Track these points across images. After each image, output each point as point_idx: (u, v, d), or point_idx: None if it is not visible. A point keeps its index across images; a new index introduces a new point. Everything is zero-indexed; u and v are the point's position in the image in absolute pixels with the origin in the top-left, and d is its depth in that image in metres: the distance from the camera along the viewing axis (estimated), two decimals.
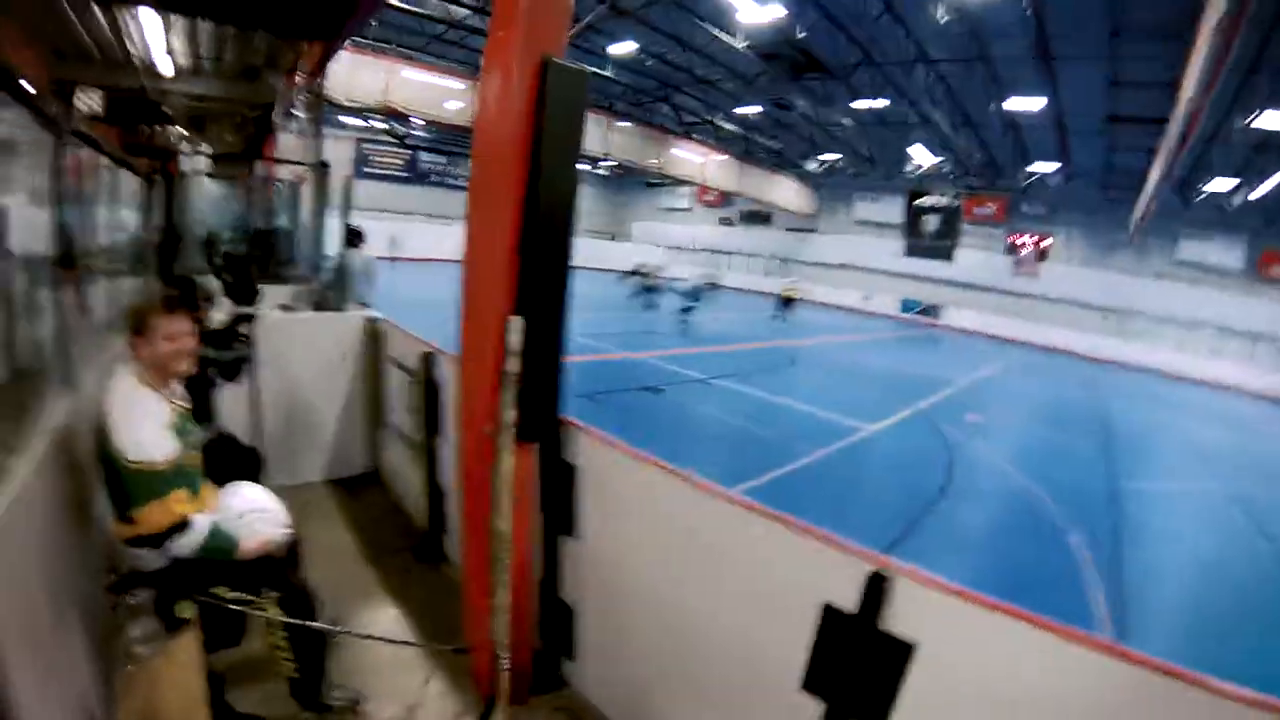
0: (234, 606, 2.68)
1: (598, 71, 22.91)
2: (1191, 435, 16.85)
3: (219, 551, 2.61)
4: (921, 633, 2.13)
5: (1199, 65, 10.99)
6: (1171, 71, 14.90)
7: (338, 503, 5.51)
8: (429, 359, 4.53)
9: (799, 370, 16.48)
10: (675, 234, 44.13)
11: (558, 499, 3.31)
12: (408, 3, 18.88)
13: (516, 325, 2.78)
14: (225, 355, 4.38)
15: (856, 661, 2.26)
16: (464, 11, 19.52)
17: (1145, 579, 7.46)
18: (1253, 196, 25.43)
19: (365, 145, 36.85)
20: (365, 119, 31.06)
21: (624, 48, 21.22)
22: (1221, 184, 25.68)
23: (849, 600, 2.22)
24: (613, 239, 44.67)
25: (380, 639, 3.61)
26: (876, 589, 2.15)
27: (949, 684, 2.11)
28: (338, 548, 4.79)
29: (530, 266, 2.83)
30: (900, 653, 2.15)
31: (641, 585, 3.09)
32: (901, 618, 2.15)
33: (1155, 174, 18.88)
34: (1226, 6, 9.25)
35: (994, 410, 15.72)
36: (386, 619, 4.04)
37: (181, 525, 2.49)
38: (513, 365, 2.81)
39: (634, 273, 26.94)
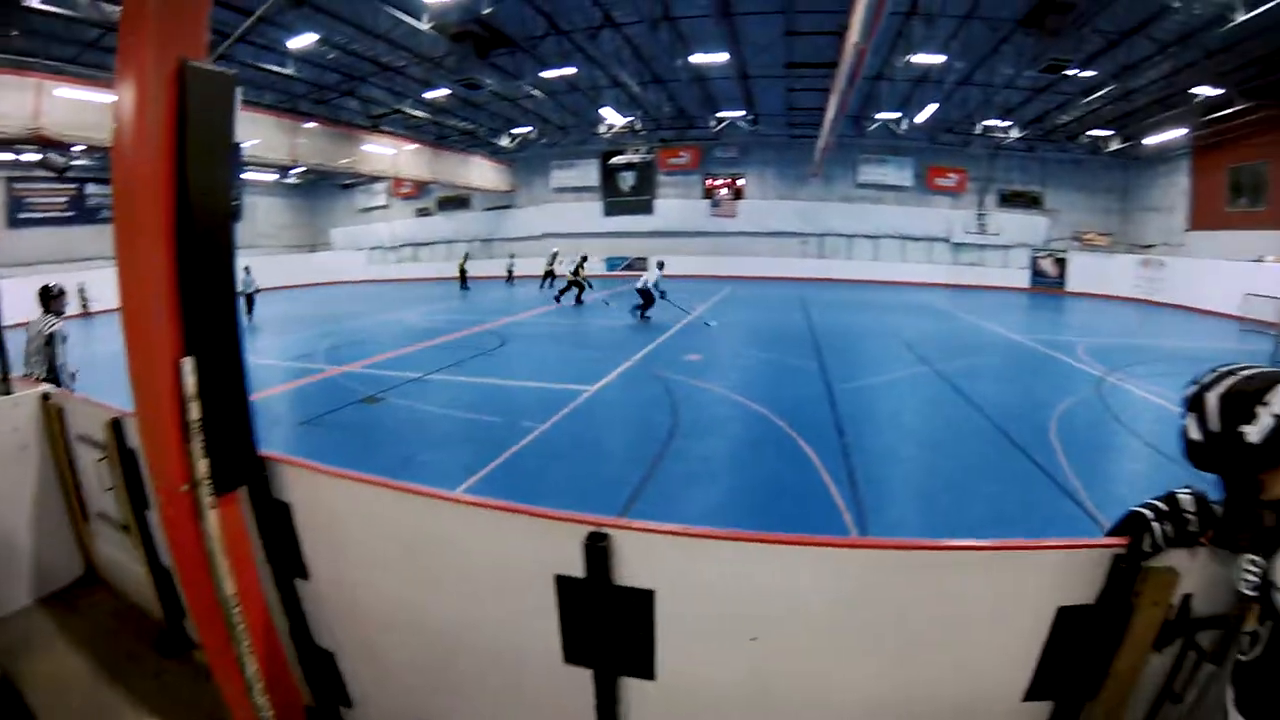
0: None
1: (277, 70, 21.29)
2: (894, 330, 19.53)
3: None
4: (656, 578, 2.28)
5: (862, 14, 12.30)
6: (840, 20, 16.12)
7: (56, 623, 4.66)
8: (116, 425, 3.86)
9: (514, 347, 16.44)
10: (376, 233, 42.29)
11: (280, 543, 3.02)
12: (50, 3, 15.87)
13: (190, 366, 2.50)
14: None
15: (604, 622, 2.37)
16: (118, 9, 16.98)
17: (876, 464, 8.55)
18: (917, 120, 29.89)
19: (17, 185, 28.38)
20: (15, 152, 24.80)
21: (303, 40, 19.30)
22: (889, 114, 29.99)
23: (578, 566, 2.30)
24: (313, 250, 41.96)
25: None
26: (599, 549, 2.25)
27: (697, 615, 2.31)
28: (67, 676, 4.10)
29: (194, 299, 2.52)
30: (643, 602, 2.29)
31: (392, 608, 2.94)
32: (633, 570, 2.28)
33: (831, 111, 21.08)
34: None
35: (712, 345, 16.58)
36: None
37: None
38: (194, 411, 2.52)
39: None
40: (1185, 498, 2.06)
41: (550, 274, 29.90)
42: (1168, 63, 20.91)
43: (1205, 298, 25.77)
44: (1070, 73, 22.60)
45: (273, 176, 35.58)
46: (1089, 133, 31.36)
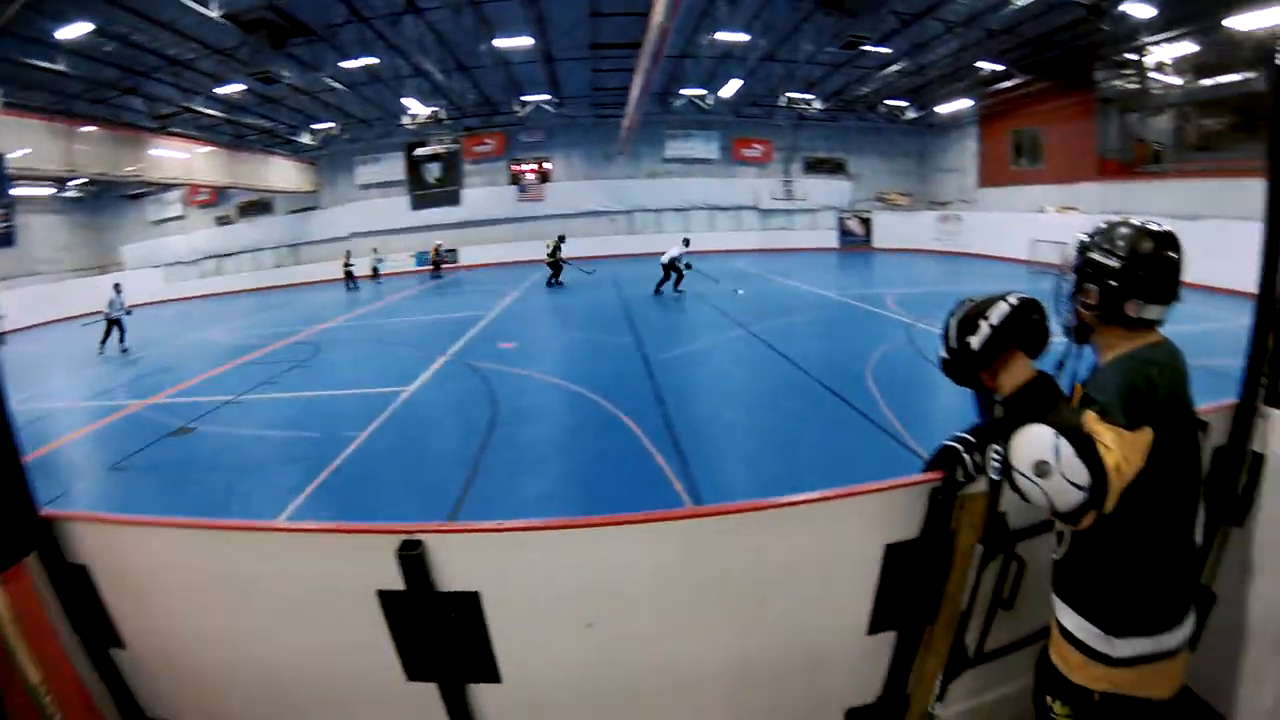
0: None
1: (46, 66, 18.51)
2: (710, 298, 19.99)
3: None
4: (480, 579, 2.25)
5: None
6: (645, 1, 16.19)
7: None
8: None
9: (329, 355, 15.79)
10: (173, 247, 37.65)
11: (84, 611, 2.60)
12: None
13: None
14: None
15: (436, 632, 2.32)
16: None
17: (700, 430, 8.88)
18: (722, 95, 30.70)
19: None
20: None
21: (76, 30, 16.70)
22: (695, 91, 31.02)
23: (397, 578, 2.23)
24: (103, 271, 36.34)
25: None
26: (414, 558, 2.18)
27: (529, 610, 2.32)
28: None
29: None
30: (470, 605, 2.26)
31: (225, 656, 2.66)
32: (454, 574, 2.24)
33: (636, 90, 21.44)
34: None
35: (525, 332, 16.66)
36: None
37: None
38: None
39: None
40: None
41: (350, 274, 30.02)
42: (955, 41, 23.22)
43: (998, 246, 28.24)
44: (868, 49, 24.15)
45: (48, 191, 30.94)
46: (887, 103, 33.76)
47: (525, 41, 21.24)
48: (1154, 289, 1.95)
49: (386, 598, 2.27)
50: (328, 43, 20.42)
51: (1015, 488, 1.87)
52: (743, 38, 22.22)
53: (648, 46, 16.35)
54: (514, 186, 36.11)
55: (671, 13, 13.15)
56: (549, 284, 25.37)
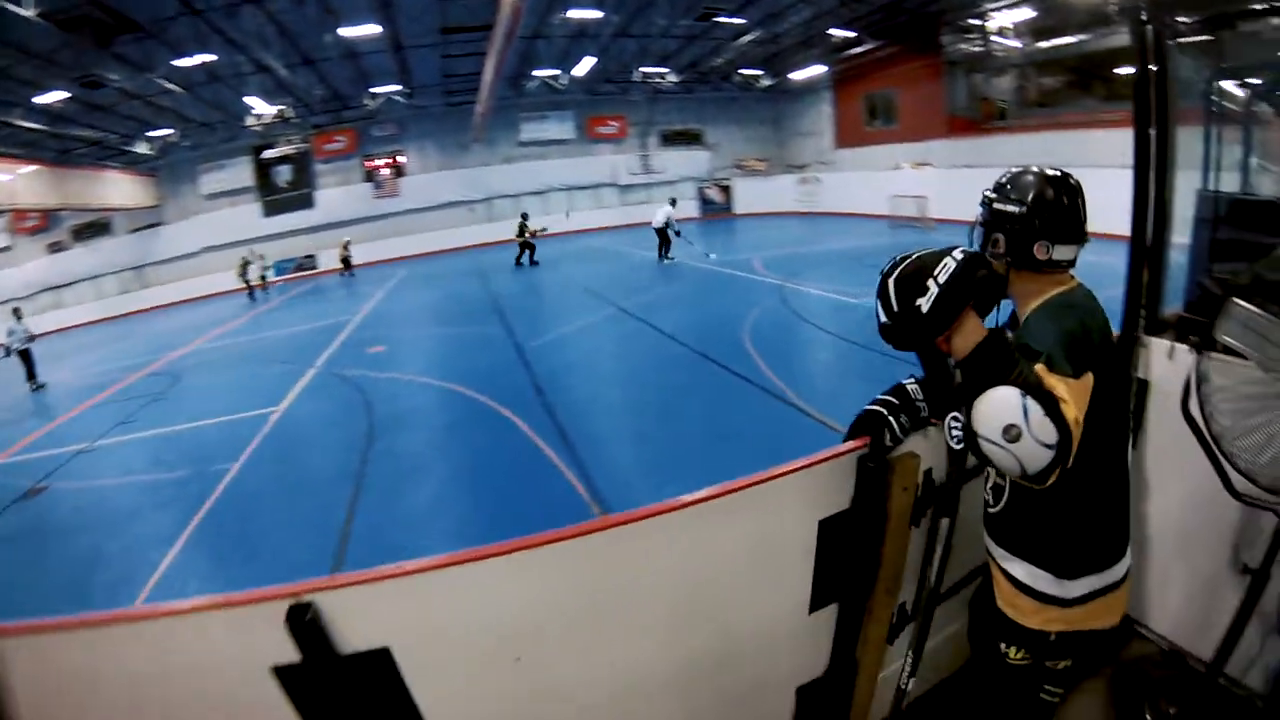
0: None
1: None
2: (573, 279, 20.18)
3: None
4: (388, 633, 1.94)
5: None
6: None
7: None
8: None
9: (189, 381, 14.57)
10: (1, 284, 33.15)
11: None
12: None
13: None
14: None
15: (347, 703, 1.99)
16: None
17: (584, 416, 8.81)
18: (576, 74, 30.33)
19: None
20: None
21: None
22: (548, 72, 30.41)
23: (291, 650, 1.86)
24: None
25: None
26: (307, 624, 1.82)
27: (449, 656, 2.08)
28: None
29: None
30: (381, 664, 1.96)
31: None
32: (356, 632, 1.92)
33: (489, 74, 21.20)
34: None
35: (393, 333, 16.12)
36: None
37: None
38: None
39: None
40: (912, 386, 2.41)
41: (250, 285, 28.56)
42: (808, 9, 23.90)
43: (858, 203, 29.57)
44: (722, 20, 24.48)
45: None
46: (741, 72, 34.20)
47: (372, 29, 20.00)
48: (1058, 229, 2.01)
49: (284, 674, 1.91)
50: (159, 39, 18.46)
51: (980, 456, 1.83)
52: (596, 14, 21.92)
53: (500, 27, 15.94)
54: (369, 184, 34.68)
55: None
56: (518, 263, 24.64)
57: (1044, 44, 23.09)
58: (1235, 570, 2.89)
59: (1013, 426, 1.69)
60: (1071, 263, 2.07)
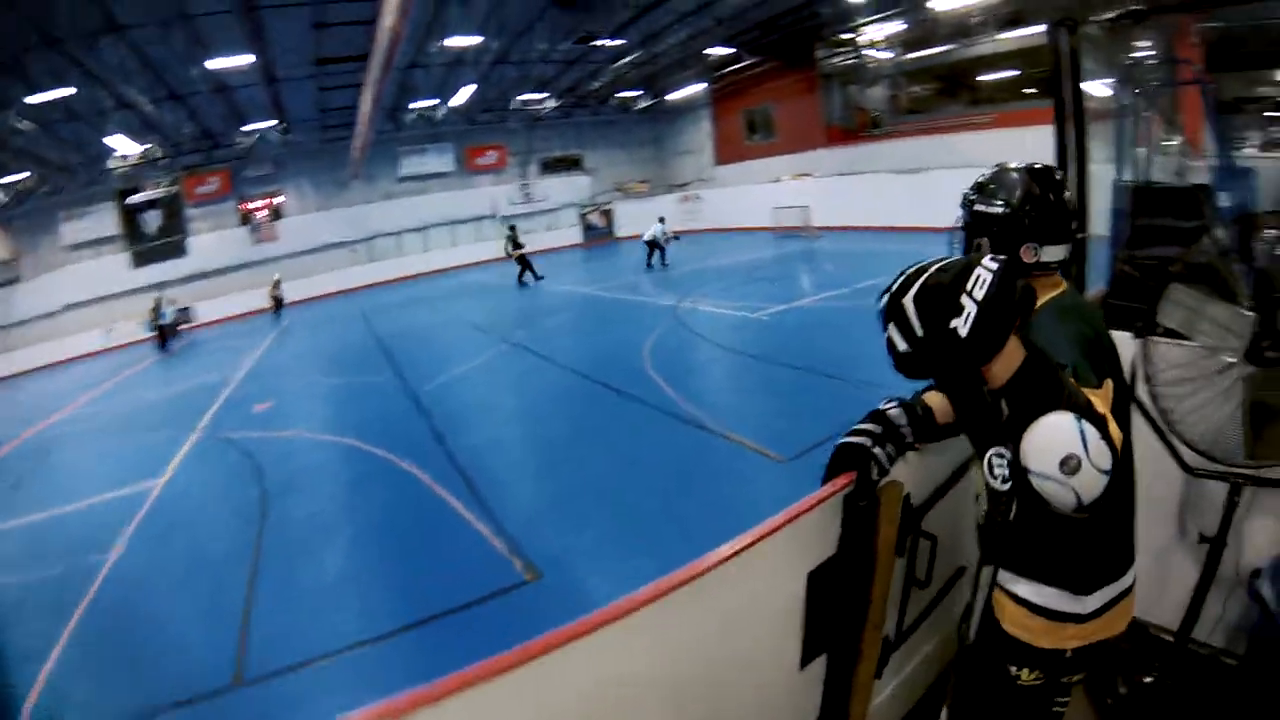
0: None
1: None
2: (461, 316, 19.47)
3: None
4: None
5: None
6: (373, 6, 15.31)
7: None
8: None
9: (58, 459, 12.81)
10: None
11: None
12: None
13: None
14: None
15: None
16: None
17: (490, 464, 8.23)
18: (454, 104, 29.96)
19: None
20: None
21: None
22: (426, 102, 29.90)
23: None
24: None
25: None
26: None
27: None
28: None
29: None
30: None
31: None
32: None
33: (366, 106, 20.48)
34: None
35: (279, 386, 14.87)
36: None
37: None
38: None
39: None
40: (894, 412, 2.23)
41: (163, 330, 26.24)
42: (686, 29, 24.31)
43: (741, 218, 30.12)
44: (601, 43, 24.61)
45: None
46: (620, 94, 34.57)
47: (244, 60, 19.05)
48: (1045, 229, 1.92)
49: None
50: (10, 74, 17.21)
51: (1029, 493, 1.56)
52: (474, 40, 21.65)
53: (377, 55, 15.43)
54: (245, 227, 32.49)
55: (402, 14, 12.54)
56: (521, 282, 23.92)
57: (913, 55, 24.60)
58: (1191, 541, 2.99)
59: (1071, 457, 1.44)
60: (1060, 264, 1.96)
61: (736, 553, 1.96)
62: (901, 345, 1.61)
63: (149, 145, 26.07)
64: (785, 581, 2.18)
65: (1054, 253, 1.92)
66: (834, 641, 2.39)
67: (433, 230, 35.49)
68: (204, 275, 31.45)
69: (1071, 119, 3.30)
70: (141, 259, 30.56)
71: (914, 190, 23.33)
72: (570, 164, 38.03)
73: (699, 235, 30.78)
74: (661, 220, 23.97)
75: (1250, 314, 2.71)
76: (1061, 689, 2.08)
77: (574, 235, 36.88)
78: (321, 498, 8.11)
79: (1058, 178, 1.96)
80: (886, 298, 1.63)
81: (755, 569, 2.04)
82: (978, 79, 23.90)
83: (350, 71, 21.99)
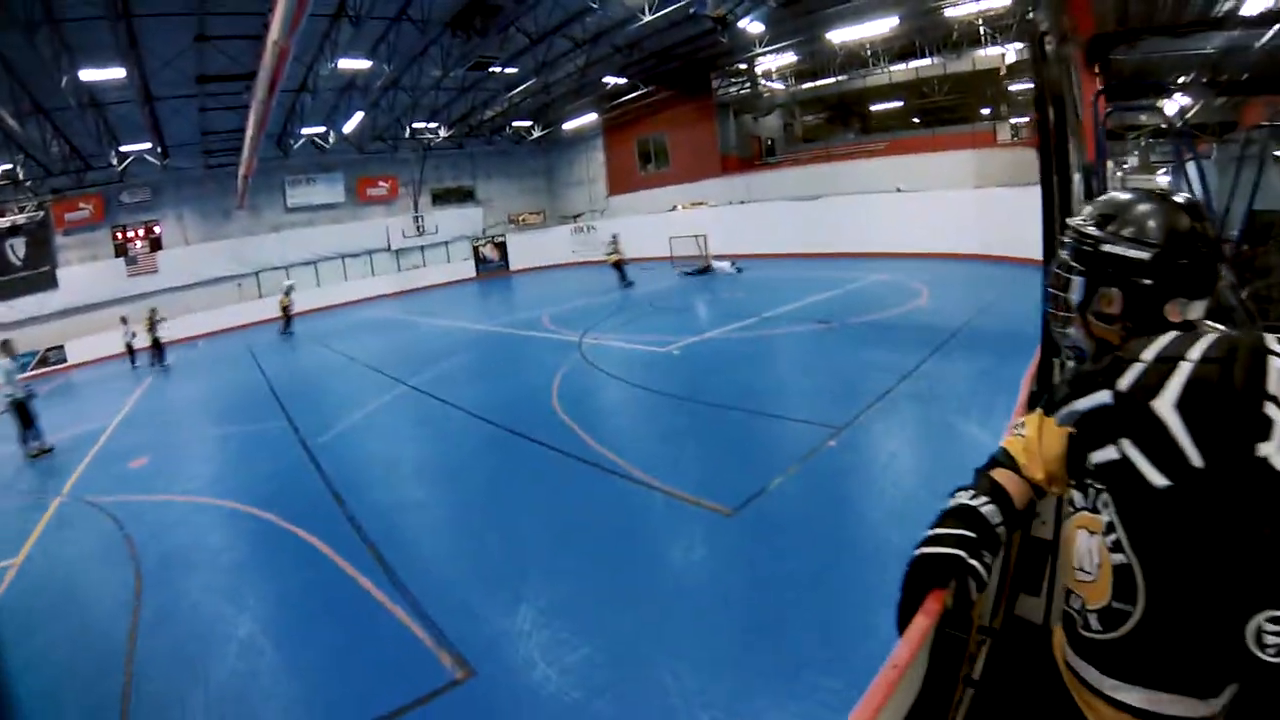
0: None
1: None
2: (355, 356, 18.04)
3: None
4: None
5: (284, 7, 11.32)
6: (260, 21, 14.46)
7: None
8: None
9: None
10: None
11: None
12: None
13: None
14: None
15: None
16: None
17: (400, 530, 7.02)
18: (345, 131, 28.64)
19: None
20: None
21: None
22: (315, 129, 28.79)
23: None
24: None
25: None
26: None
27: None
28: None
29: None
30: None
31: None
32: None
33: (251, 129, 19.25)
34: None
35: (157, 438, 12.96)
36: None
37: None
38: None
39: None
40: (989, 509, 1.70)
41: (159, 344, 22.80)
42: (582, 57, 24.25)
43: (637, 248, 29.14)
44: (495, 70, 24.09)
45: None
46: (513, 124, 34.39)
47: (117, 73, 17.05)
48: (1198, 280, 1.47)
49: None
50: None
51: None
52: (365, 64, 20.69)
53: (263, 74, 14.44)
54: (121, 259, 29.51)
55: (289, 30, 11.79)
56: (625, 282, 23.79)
57: (807, 85, 25.24)
58: None
59: None
60: (1201, 320, 1.50)
61: None
62: (1157, 480, 1.13)
63: (12, 164, 24.02)
64: None
65: (1198, 310, 1.47)
66: None
67: (323, 264, 33.64)
68: (75, 310, 28.45)
69: (1054, 137, 2.89)
70: (5, 291, 27.31)
71: (808, 217, 23.75)
72: (463, 195, 37.28)
73: (594, 267, 30.23)
74: (615, 237, 24.39)
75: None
76: None
77: (466, 269, 35.88)
78: (206, 581, 6.64)
79: (1201, 209, 1.54)
80: (1105, 396, 1.19)
81: None
82: (870, 108, 24.57)
83: (235, 92, 20.79)
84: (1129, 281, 1.47)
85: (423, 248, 35.60)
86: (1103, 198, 1.60)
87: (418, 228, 35.53)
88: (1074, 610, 1.57)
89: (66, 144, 24.38)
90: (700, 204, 28.66)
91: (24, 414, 12.44)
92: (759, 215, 26.51)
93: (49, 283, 28.08)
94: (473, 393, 12.16)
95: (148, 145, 26.07)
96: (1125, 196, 1.56)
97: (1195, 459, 1.05)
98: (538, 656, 4.53)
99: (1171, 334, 1.20)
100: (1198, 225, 1.47)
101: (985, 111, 26.00)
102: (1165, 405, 1.06)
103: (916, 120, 26.22)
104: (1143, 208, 1.51)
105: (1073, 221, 1.58)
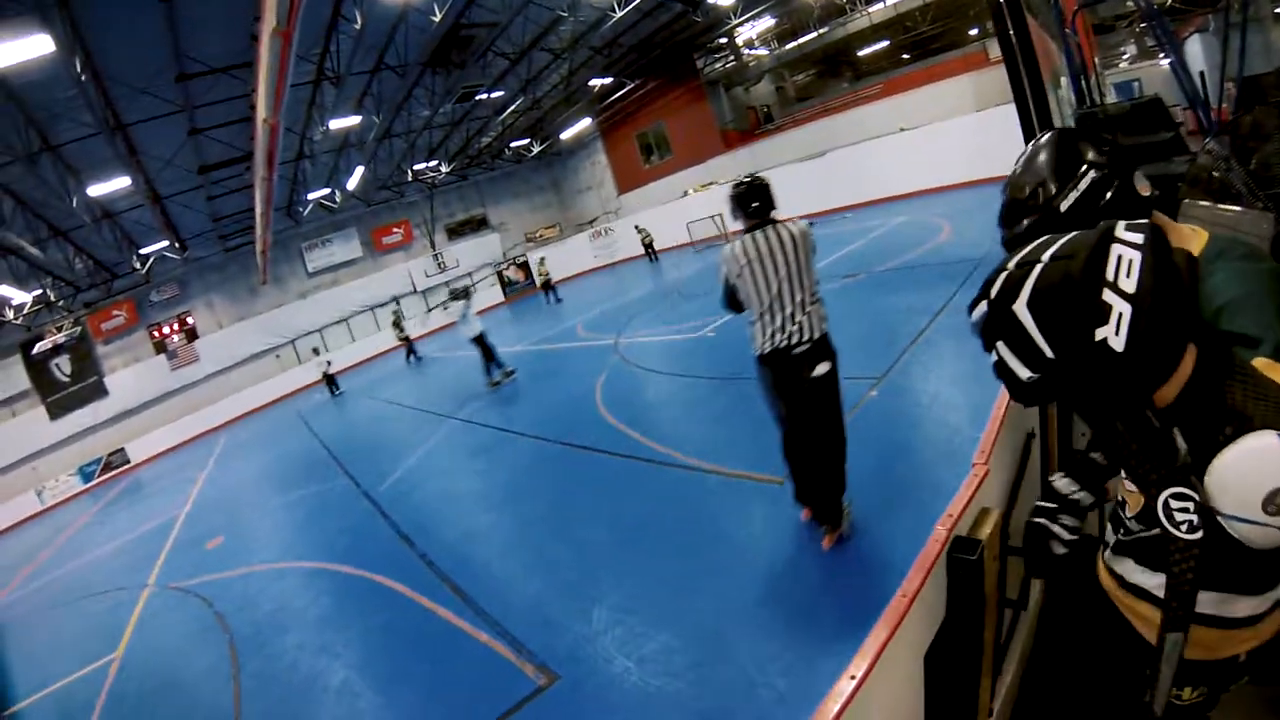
0: None
1: None
2: (400, 398, 18.59)
3: None
4: None
5: (265, 86, 11.52)
6: (245, 101, 14.84)
7: None
8: None
9: None
10: None
11: None
12: None
13: None
14: None
15: None
16: None
17: (476, 566, 7.00)
18: (349, 188, 28.97)
19: None
20: None
21: None
22: (320, 192, 29.41)
23: None
24: None
25: None
26: None
27: None
28: None
29: None
30: None
31: None
32: None
33: (260, 206, 19.61)
34: (276, 19, 9.45)
35: (229, 517, 13.40)
36: None
37: None
38: None
39: None
40: (1062, 483, 1.93)
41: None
42: (564, 66, 24.51)
43: (656, 241, 29.63)
44: (482, 97, 24.32)
45: None
46: (511, 145, 34.61)
47: (123, 182, 17.40)
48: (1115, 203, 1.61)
49: None
50: None
51: (1221, 537, 1.24)
52: (355, 120, 21.04)
53: (259, 152, 14.92)
54: (162, 355, 30.41)
55: (275, 104, 12.07)
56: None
57: (789, 45, 25.02)
58: None
59: (1278, 493, 1.10)
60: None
61: (862, 680, 1.58)
62: (1023, 373, 1.20)
63: (41, 288, 24.81)
64: (904, 683, 1.88)
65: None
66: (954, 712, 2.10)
67: (353, 320, 34.10)
68: (130, 413, 29.53)
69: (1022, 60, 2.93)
70: (59, 409, 28.29)
71: (818, 174, 23.53)
72: (477, 224, 37.66)
73: (618, 267, 30.86)
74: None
75: (1267, 212, 2.58)
76: (1214, 701, 1.70)
77: (494, 294, 35.94)
78: (298, 639, 6.98)
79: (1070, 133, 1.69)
80: (984, 306, 1.23)
81: (875, 693, 1.62)
82: (857, 54, 24.26)
83: (237, 175, 21.47)
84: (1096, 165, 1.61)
85: (447, 283, 35.57)
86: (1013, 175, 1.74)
87: (439, 265, 35.86)
88: (1124, 518, 1.72)
89: (89, 258, 25.26)
90: (710, 184, 28.53)
91: (484, 347, 14.88)
92: (771, 182, 25.77)
93: (99, 392, 29.06)
94: (519, 413, 12.39)
95: (165, 243, 26.81)
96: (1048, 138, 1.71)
97: (1047, 351, 1.14)
98: (615, 651, 4.72)
99: (1042, 239, 1.24)
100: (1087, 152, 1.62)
101: (973, 32, 25.44)
102: (1020, 306, 1.15)
103: (906, 56, 25.85)
104: (1064, 138, 1.68)
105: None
